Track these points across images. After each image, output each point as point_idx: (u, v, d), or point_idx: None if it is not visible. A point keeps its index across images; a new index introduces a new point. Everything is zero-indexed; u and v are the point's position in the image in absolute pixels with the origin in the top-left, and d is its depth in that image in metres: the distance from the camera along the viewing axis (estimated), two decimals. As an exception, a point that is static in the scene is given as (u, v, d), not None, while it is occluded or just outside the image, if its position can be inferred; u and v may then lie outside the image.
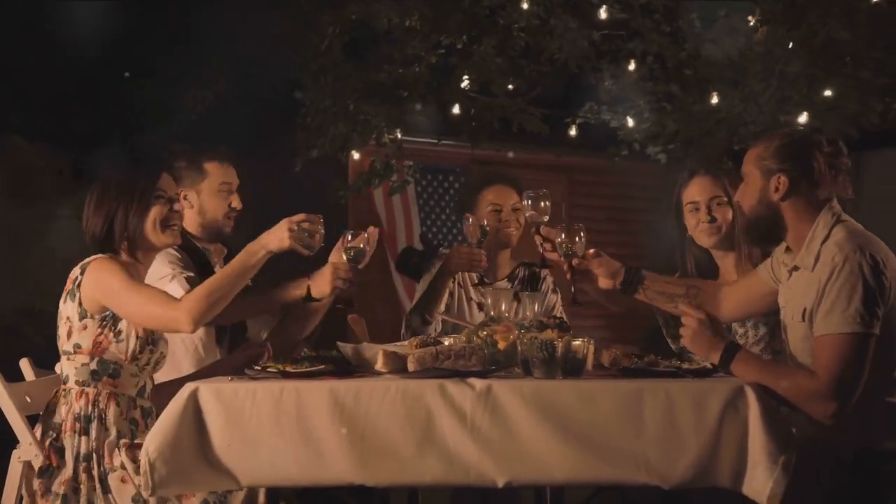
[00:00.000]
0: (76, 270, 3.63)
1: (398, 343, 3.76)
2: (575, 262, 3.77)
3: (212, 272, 4.12)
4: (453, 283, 4.80)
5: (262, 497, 3.37)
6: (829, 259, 3.26)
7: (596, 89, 8.41)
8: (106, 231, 3.66)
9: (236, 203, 4.35)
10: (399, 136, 8.49)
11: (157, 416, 3.71)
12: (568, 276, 3.78)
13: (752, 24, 7.34)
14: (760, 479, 2.99)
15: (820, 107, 7.20)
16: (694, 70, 8.05)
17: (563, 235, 3.78)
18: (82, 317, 3.58)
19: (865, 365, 3.17)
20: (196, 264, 4.14)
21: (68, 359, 3.61)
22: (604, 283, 3.85)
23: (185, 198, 4.26)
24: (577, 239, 3.78)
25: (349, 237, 3.83)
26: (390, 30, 7.79)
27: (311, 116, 8.39)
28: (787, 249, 3.52)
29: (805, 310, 3.29)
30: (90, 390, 3.57)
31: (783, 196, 3.41)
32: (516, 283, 4.87)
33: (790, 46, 7.04)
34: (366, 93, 7.91)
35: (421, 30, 7.66)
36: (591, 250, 3.86)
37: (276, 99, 9.29)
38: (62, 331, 3.63)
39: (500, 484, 3.07)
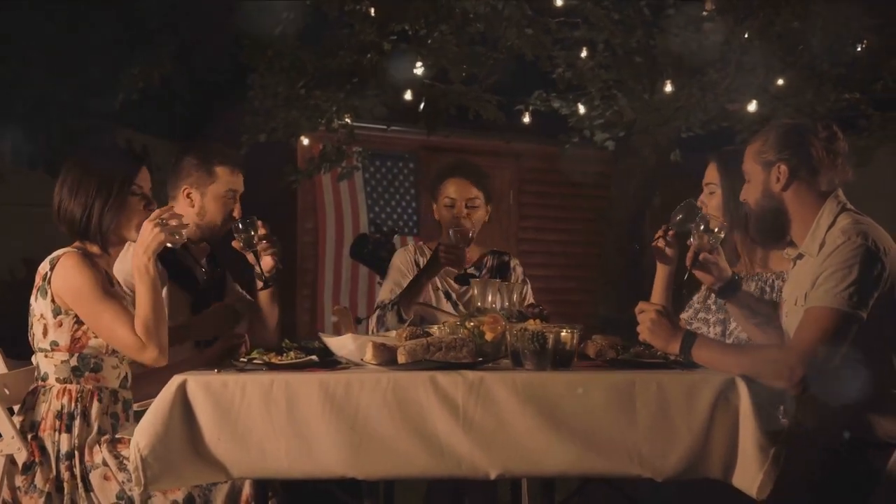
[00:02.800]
0: (45, 265, 3.51)
1: (384, 334, 3.74)
2: (702, 256, 3.70)
3: (183, 271, 4.08)
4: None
5: (246, 489, 3.32)
6: (831, 243, 3.29)
7: (546, 76, 8.42)
8: (84, 221, 3.53)
9: (237, 212, 4.24)
10: (349, 121, 8.44)
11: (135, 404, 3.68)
12: (688, 263, 3.69)
13: (705, 14, 7.37)
14: (751, 470, 3.00)
15: (776, 95, 7.27)
16: (645, 58, 8.09)
17: (703, 226, 3.64)
18: (56, 313, 3.47)
19: (842, 344, 3.17)
20: (166, 264, 4.06)
21: (46, 356, 3.50)
22: (708, 280, 3.80)
23: (188, 196, 4.18)
24: (716, 231, 3.64)
25: (239, 226, 3.99)
26: (344, 15, 7.73)
27: (260, 100, 8.30)
28: (791, 243, 3.54)
29: (806, 294, 3.30)
30: (73, 387, 3.48)
31: (784, 185, 3.43)
32: (484, 271, 4.81)
33: (746, 36, 7.10)
34: (321, 80, 7.84)
35: (377, 17, 7.61)
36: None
37: (222, 82, 9.22)
38: (37, 329, 3.51)
39: (493, 476, 3.06)
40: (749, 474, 3.00)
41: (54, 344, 3.48)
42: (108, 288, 3.47)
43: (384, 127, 8.87)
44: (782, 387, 3.20)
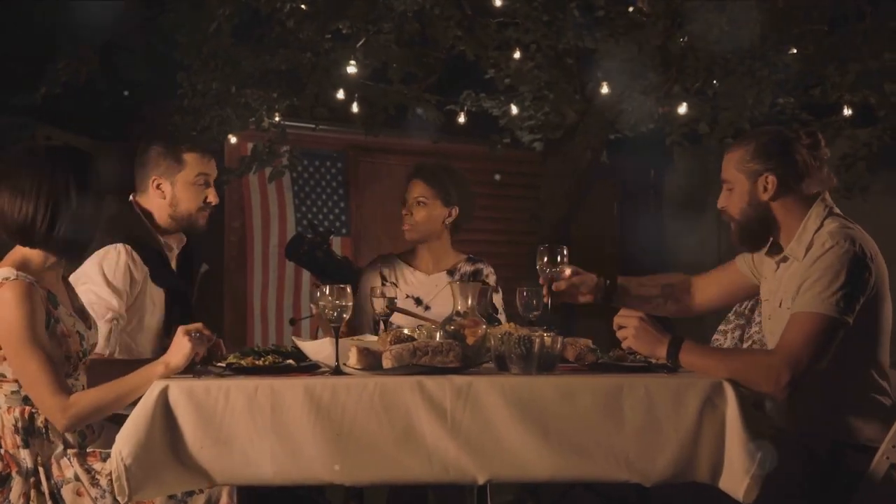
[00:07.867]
0: None
1: (363, 337, 3.69)
2: (555, 286, 3.72)
3: (165, 267, 4.00)
4: (384, 282, 4.70)
5: (224, 499, 3.24)
6: (819, 246, 3.31)
7: (475, 76, 8.40)
8: (44, 229, 3.27)
9: (212, 197, 4.24)
10: (279, 119, 8.34)
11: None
12: (546, 300, 3.71)
13: (645, 19, 7.39)
14: (737, 474, 3.01)
15: (713, 99, 7.34)
16: (576, 60, 8.11)
17: (546, 258, 3.71)
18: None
19: (828, 349, 3.21)
20: (149, 261, 3.99)
21: None
22: (584, 298, 3.82)
23: (157, 187, 4.11)
24: (559, 260, 3.71)
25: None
26: (280, 12, 7.62)
27: (189, 98, 8.16)
28: (773, 243, 3.56)
29: (792, 298, 3.33)
30: (26, 408, 3.27)
31: (773, 195, 3.45)
32: (456, 277, 4.73)
33: (685, 39, 7.14)
34: (259, 79, 7.73)
35: (317, 15, 7.51)
36: (568, 270, 3.80)
37: (151, 80, 9.08)
38: None
39: (481, 481, 3.06)
40: (736, 478, 3.02)
41: (2, 376, 3.27)
42: (42, 332, 3.20)
43: (313, 126, 8.77)
44: (769, 391, 3.23)
